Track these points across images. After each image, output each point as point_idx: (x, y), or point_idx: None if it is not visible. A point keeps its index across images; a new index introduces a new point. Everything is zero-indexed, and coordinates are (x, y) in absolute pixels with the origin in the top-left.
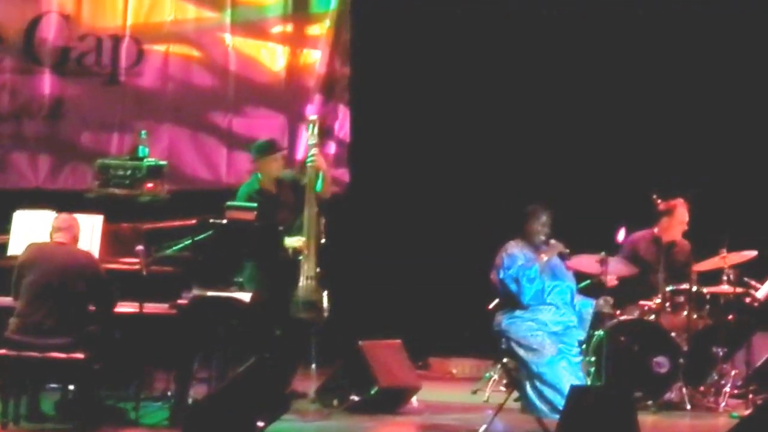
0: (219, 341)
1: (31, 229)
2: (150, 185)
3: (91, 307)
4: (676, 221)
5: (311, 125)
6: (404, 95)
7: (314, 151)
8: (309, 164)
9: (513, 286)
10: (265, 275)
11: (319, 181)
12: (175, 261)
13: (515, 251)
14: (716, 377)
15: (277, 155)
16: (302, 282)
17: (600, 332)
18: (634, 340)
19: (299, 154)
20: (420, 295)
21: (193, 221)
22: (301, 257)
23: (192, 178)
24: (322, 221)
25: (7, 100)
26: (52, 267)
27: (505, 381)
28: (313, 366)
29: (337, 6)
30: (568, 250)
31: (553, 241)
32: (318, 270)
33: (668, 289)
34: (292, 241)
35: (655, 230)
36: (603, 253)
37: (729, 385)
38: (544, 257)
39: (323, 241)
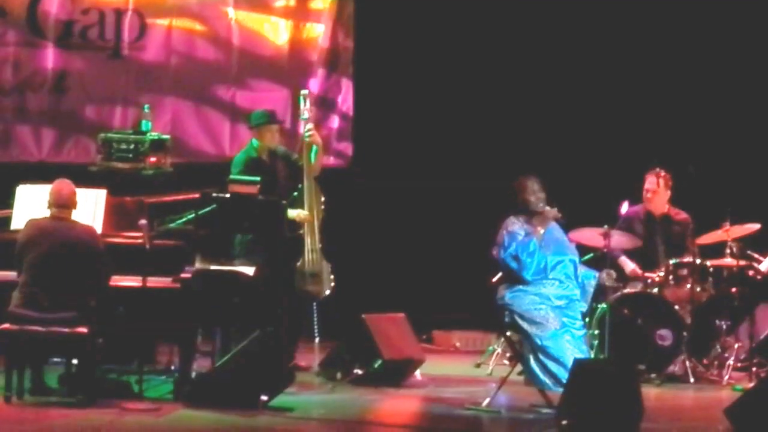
0: (222, 315)
1: (35, 203)
2: (153, 159)
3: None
4: (644, 191)
5: (302, 98)
6: (407, 68)
7: (310, 125)
8: (306, 139)
9: (513, 264)
10: (267, 248)
11: (312, 155)
12: (179, 234)
13: (515, 228)
14: (719, 350)
15: (273, 126)
16: (306, 255)
17: (603, 305)
18: (638, 313)
19: (302, 128)
20: (423, 269)
21: (196, 195)
22: (302, 231)
23: (195, 151)
24: (321, 197)
25: (10, 73)
26: (54, 242)
27: (508, 354)
28: (317, 339)
29: None
30: (561, 215)
31: (546, 209)
32: (320, 243)
33: (671, 262)
34: (293, 214)
35: (646, 204)
36: (606, 227)
37: (732, 357)
38: (540, 229)
39: (322, 217)
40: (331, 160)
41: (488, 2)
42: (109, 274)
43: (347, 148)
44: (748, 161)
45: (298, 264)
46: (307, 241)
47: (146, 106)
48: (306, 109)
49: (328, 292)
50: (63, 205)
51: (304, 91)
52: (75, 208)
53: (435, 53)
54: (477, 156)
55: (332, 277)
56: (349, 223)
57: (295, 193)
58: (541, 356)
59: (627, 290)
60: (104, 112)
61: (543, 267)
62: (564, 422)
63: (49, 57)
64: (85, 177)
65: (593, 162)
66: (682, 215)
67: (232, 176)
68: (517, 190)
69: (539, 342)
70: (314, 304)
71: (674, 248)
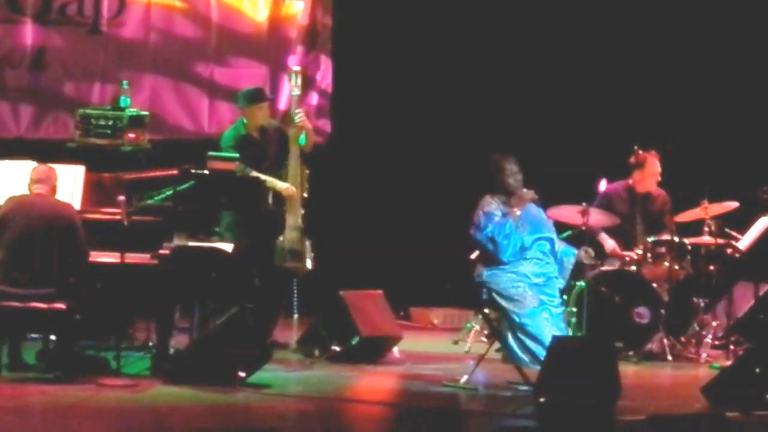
0: (200, 291)
1: (13, 179)
2: (131, 135)
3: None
4: (648, 173)
5: (294, 75)
6: (386, 45)
7: (301, 110)
8: (297, 122)
9: (490, 246)
10: (246, 225)
11: (302, 137)
12: (157, 211)
13: (492, 208)
14: (697, 328)
15: (263, 104)
16: (286, 232)
17: (581, 283)
18: (616, 290)
19: (282, 105)
20: (401, 246)
21: (175, 171)
22: (284, 207)
23: (174, 127)
24: (306, 173)
25: None
26: (32, 219)
27: (486, 331)
28: (295, 316)
29: None
30: (537, 197)
31: (524, 191)
32: (302, 220)
33: (650, 240)
34: (283, 185)
35: (630, 182)
36: (584, 204)
37: (710, 335)
38: (517, 211)
39: (305, 194)
40: None
41: None
42: (84, 257)
43: (326, 125)
44: (726, 139)
45: (279, 240)
46: (289, 218)
47: (125, 82)
48: (296, 86)
49: (308, 268)
50: (39, 179)
51: (295, 68)
52: (55, 189)
53: (413, 30)
54: (455, 133)
55: (312, 254)
56: (328, 199)
57: (284, 169)
58: (519, 334)
59: (605, 268)
60: (83, 89)
61: (520, 247)
62: (541, 399)
63: (28, 33)
64: (63, 153)
65: (571, 139)
66: (661, 192)
67: (210, 153)
68: (495, 171)
69: (517, 319)
70: (294, 280)
71: (653, 226)
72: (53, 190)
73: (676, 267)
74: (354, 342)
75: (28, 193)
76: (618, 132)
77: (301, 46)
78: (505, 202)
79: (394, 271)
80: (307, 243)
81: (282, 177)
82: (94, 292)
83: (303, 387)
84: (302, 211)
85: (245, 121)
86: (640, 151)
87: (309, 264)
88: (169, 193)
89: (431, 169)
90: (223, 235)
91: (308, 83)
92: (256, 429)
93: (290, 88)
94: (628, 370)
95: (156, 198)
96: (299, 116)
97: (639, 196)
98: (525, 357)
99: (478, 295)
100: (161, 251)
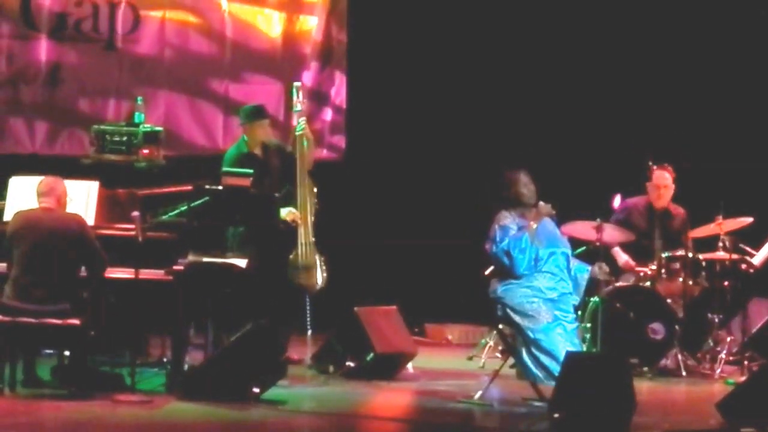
0: (215, 307)
1: (28, 195)
2: (146, 151)
3: (84, 273)
4: (652, 185)
5: (295, 90)
6: (401, 62)
7: (303, 119)
8: (299, 133)
9: (505, 260)
10: (258, 242)
11: (305, 149)
12: (171, 227)
13: (507, 222)
14: (712, 344)
15: (264, 121)
16: (299, 248)
17: (596, 298)
18: (630, 306)
19: (294, 121)
20: (416, 262)
21: (189, 187)
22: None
23: (188, 144)
24: (314, 189)
25: (4, 65)
26: (41, 234)
27: (501, 347)
28: (309, 332)
29: None
30: (554, 211)
31: (541, 204)
32: (313, 236)
33: (664, 255)
34: (284, 212)
35: (648, 197)
36: (599, 220)
37: (724, 351)
38: (534, 225)
39: (315, 208)
40: (325, 153)
41: None
42: (105, 263)
43: (340, 141)
44: (741, 155)
45: (291, 257)
46: (301, 234)
47: (139, 98)
48: (299, 102)
49: (320, 284)
50: (45, 192)
51: (297, 84)
52: (64, 202)
53: (428, 46)
54: (469, 148)
55: (324, 269)
56: (341, 215)
57: (288, 186)
58: (533, 349)
59: (619, 284)
60: (97, 105)
61: (535, 260)
62: (556, 415)
63: (43, 49)
64: (78, 169)
65: (585, 155)
66: (680, 210)
67: (224, 169)
68: (509, 184)
69: (531, 335)
70: (307, 297)
71: (671, 242)
72: (60, 202)
73: (691, 283)
74: (369, 358)
75: (35, 207)
76: (633, 148)
77: (316, 62)
78: (521, 216)
79: (409, 287)
80: (319, 259)
81: (287, 195)
82: (108, 308)
83: (317, 403)
84: (312, 228)
85: (246, 138)
86: (652, 166)
87: (321, 280)
88: (183, 209)
89: (446, 185)
90: (237, 251)
91: (323, 99)
92: None
93: (293, 103)
94: (643, 386)
95: (170, 214)
96: (301, 126)
97: (658, 212)
98: (539, 373)
99: (493, 310)
100: (175, 267)
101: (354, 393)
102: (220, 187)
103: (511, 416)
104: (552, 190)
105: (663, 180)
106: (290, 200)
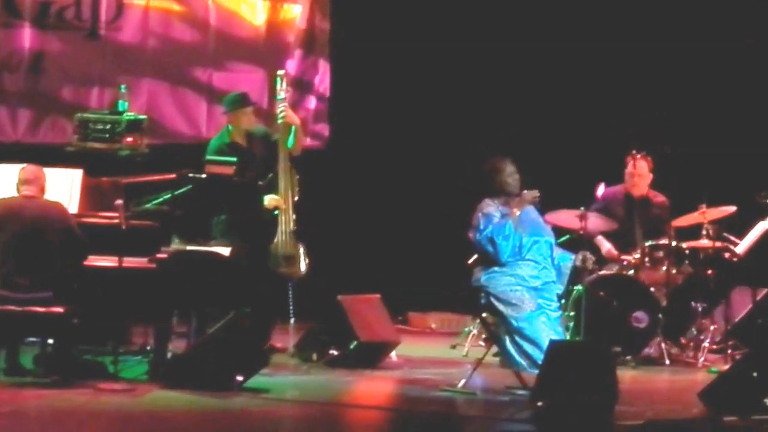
0: (198, 295)
1: (10, 183)
2: (129, 139)
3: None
4: (628, 174)
5: (279, 79)
6: (384, 50)
7: (284, 105)
8: (280, 120)
9: (489, 248)
10: (241, 230)
11: (291, 137)
12: (155, 215)
13: (491, 209)
14: (695, 332)
15: (248, 109)
16: (279, 237)
17: (579, 287)
18: (614, 295)
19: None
20: (399, 250)
21: (173, 175)
22: (276, 212)
23: (172, 132)
24: (296, 177)
25: None
26: (24, 222)
27: (484, 336)
28: (292, 321)
29: None
30: (538, 194)
31: (524, 192)
32: (294, 225)
33: (647, 244)
34: (267, 199)
35: (626, 186)
36: (582, 209)
37: (708, 340)
38: (517, 211)
39: (296, 198)
40: (308, 141)
41: None
42: (86, 251)
43: (324, 129)
44: (725, 143)
45: (272, 246)
46: (281, 222)
47: (123, 86)
48: (282, 90)
49: (303, 272)
50: (27, 180)
51: (280, 72)
52: (44, 189)
53: (412, 34)
54: (453, 137)
55: (305, 258)
56: (325, 203)
57: (271, 174)
58: (516, 338)
59: (603, 272)
60: (81, 93)
61: (518, 247)
62: (539, 404)
63: (26, 37)
64: (61, 157)
65: (569, 143)
66: (661, 198)
67: (208, 157)
68: (493, 172)
69: (515, 323)
70: (289, 285)
71: (652, 231)
72: (42, 191)
73: (674, 271)
74: (352, 346)
75: (17, 194)
76: (616, 136)
77: (299, 50)
78: (504, 204)
79: (392, 276)
80: (301, 247)
81: (270, 182)
82: (91, 296)
83: (300, 392)
84: (294, 216)
85: (230, 128)
86: (631, 153)
87: (303, 268)
88: (167, 197)
89: (429, 173)
90: (221, 239)
91: (306, 88)
92: None
93: (276, 91)
94: (626, 374)
95: (154, 202)
96: (282, 114)
97: (636, 200)
98: (523, 361)
99: (476, 299)
100: (159, 255)
101: (337, 381)
102: (204, 176)
103: (494, 404)
104: (535, 179)
105: (638, 168)
106: (273, 188)
